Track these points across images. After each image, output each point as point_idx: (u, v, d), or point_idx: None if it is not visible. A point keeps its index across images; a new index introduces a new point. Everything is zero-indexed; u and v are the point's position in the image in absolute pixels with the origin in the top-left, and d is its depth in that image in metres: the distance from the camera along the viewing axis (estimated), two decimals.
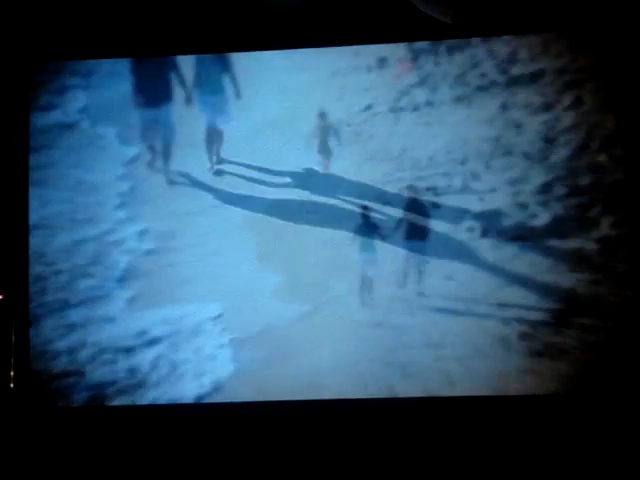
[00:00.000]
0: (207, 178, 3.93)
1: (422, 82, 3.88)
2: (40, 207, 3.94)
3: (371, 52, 3.89)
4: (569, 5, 3.71)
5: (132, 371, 3.81)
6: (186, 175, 3.92)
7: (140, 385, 3.79)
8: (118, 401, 3.79)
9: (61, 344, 3.85)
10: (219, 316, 3.83)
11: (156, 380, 3.79)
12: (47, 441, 3.79)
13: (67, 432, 3.79)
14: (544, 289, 3.70)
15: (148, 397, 3.80)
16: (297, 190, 3.88)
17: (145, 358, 3.81)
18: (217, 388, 3.80)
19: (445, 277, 3.77)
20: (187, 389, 3.79)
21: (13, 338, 3.86)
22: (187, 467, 3.72)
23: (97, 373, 3.82)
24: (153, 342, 3.82)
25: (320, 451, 3.69)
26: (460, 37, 3.79)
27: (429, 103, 3.87)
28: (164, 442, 3.74)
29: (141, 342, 3.84)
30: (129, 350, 3.82)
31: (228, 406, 3.77)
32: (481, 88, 3.84)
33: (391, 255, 3.80)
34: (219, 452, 3.73)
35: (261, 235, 3.86)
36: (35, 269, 3.90)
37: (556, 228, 3.74)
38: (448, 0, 3.07)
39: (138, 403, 3.79)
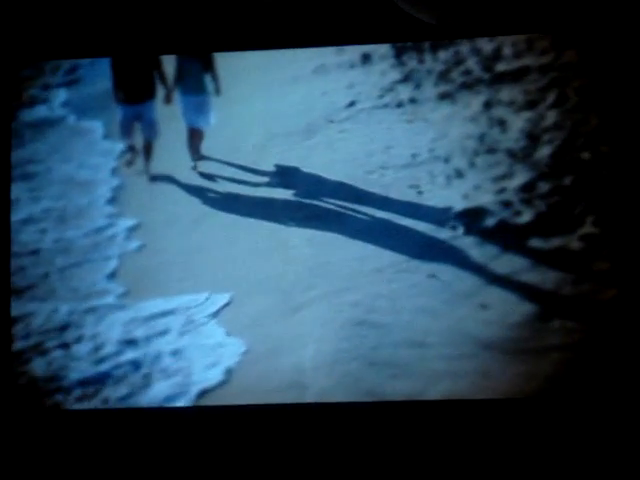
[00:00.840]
0: (189, 176, 3.91)
1: (406, 79, 3.85)
2: (31, 203, 3.92)
3: (354, 49, 3.87)
4: (554, 3, 3.67)
5: (108, 374, 3.80)
6: (168, 172, 3.90)
7: (122, 384, 3.79)
8: (100, 401, 3.78)
9: (52, 342, 3.84)
10: (208, 313, 3.82)
11: (139, 380, 3.79)
12: (35, 446, 3.77)
13: (57, 436, 3.77)
14: (527, 288, 3.68)
15: (126, 397, 3.79)
16: (280, 188, 3.85)
17: (125, 358, 3.80)
18: (204, 389, 3.78)
19: (428, 275, 3.75)
20: (168, 388, 3.78)
21: None
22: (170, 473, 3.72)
23: (86, 371, 3.81)
24: (133, 342, 3.81)
25: (306, 458, 3.69)
26: (445, 38, 3.76)
27: (413, 100, 3.84)
28: (148, 447, 3.74)
29: (124, 342, 3.83)
30: (123, 345, 3.81)
31: (210, 410, 3.76)
32: (465, 85, 3.81)
33: (373, 253, 3.78)
34: (200, 458, 3.73)
35: (244, 233, 3.85)
36: (24, 266, 3.88)
37: (540, 226, 3.71)
38: (432, 1, 3.05)
39: (124, 404, 3.78)
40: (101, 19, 3.89)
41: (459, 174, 3.78)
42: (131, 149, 3.93)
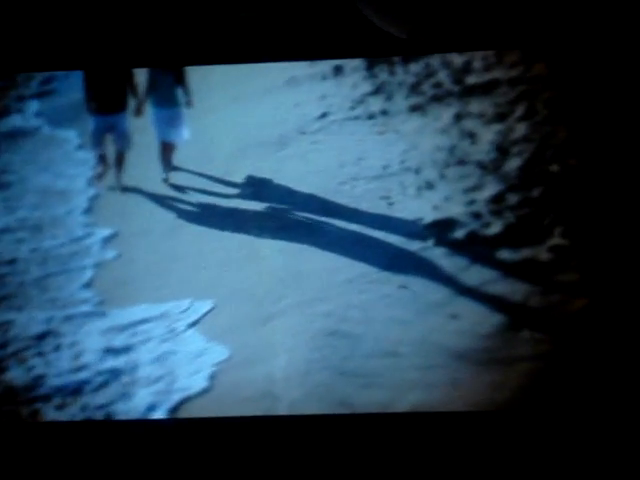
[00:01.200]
0: (161, 187, 3.92)
1: (377, 91, 3.87)
2: (7, 213, 3.93)
3: (326, 61, 3.88)
4: (523, 17, 3.70)
5: (87, 382, 3.80)
6: (140, 183, 3.91)
7: (87, 396, 3.79)
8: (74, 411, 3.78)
9: (30, 351, 3.83)
10: (189, 321, 3.83)
11: (120, 388, 3.80)
12: (10, 458, 3.77)
13: (33, 448, 3.76)
14: (497, 298, 3.70)
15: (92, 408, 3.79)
16: (252, 200, 3.87)
17: (105, 366, 3.80)
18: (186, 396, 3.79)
19: (399, 286, 3.77)
20: (143, 397, 3.79)
21: None
22: None
23: (66, 379, 3.80)
24: (114, 350, 3.82)
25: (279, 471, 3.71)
26: (416, 53, 3.79)
27: (384, 112, 3.86)
28: (124, 459, 3.75)
29: (104, 350, 3.83)
30: (103, 353, 3.81)
31: (187, 422, 3.77)
32: (435, 98, 3.84)
33: (345, 264, 3.80)
34: (175, 471, 3.74)
35: (216, 243, 3.86)
36: (1, 275, 3.88)
37: (509, 237, 3.74)
38: (404, 16, 3.06)
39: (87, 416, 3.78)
40: (74, 33, 3.90)
41: (429, 185, 3.80)
42: (102, 159, 3.94)
